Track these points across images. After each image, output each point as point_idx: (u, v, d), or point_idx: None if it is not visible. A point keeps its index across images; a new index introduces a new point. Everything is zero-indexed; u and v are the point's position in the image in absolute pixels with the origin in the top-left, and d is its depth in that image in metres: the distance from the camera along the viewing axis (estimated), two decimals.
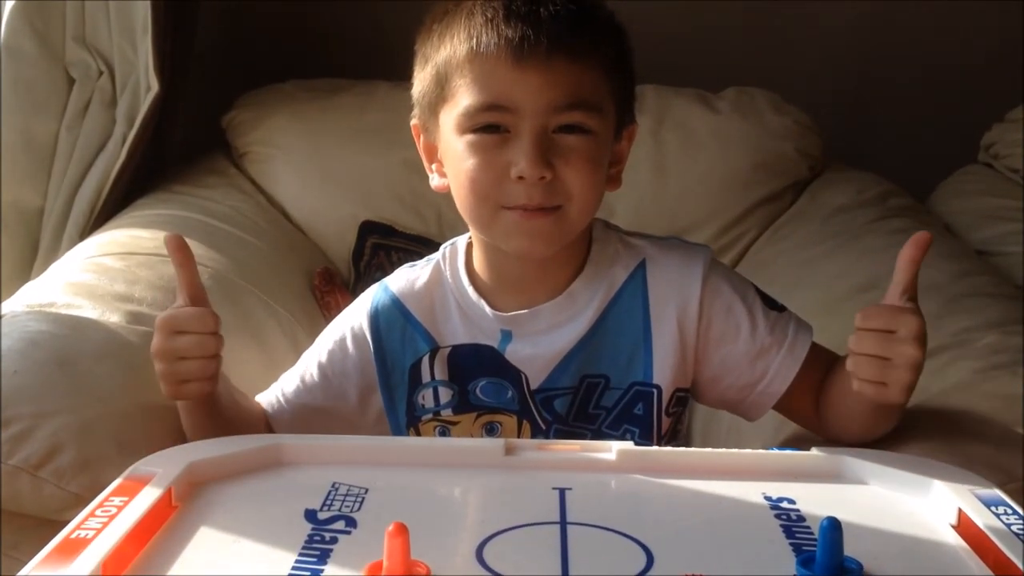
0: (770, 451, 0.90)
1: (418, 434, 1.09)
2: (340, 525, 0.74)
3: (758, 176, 1.93)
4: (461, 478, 0.85)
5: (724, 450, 0.88)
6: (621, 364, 1.06)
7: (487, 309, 1.07)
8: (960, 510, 0.76)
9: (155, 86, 1.72)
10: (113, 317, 1.23)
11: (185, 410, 1.05)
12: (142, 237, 1.53)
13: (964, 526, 0.76)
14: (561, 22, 0.97)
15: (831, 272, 1.60)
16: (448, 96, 1.00)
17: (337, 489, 0.80)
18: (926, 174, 2.09)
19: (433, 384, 1.09)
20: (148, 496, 0.75)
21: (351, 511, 0.77)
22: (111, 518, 0.71)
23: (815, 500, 0.80)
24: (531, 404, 1.07)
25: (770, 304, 1.07)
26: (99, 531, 0.69)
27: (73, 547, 0.67)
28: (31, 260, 1.78)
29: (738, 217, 1.93)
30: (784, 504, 0.79)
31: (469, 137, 0.98)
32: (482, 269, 1.08)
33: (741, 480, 0.84)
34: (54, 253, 1.70)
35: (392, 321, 1.10)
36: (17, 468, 1.02)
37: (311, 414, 1.11)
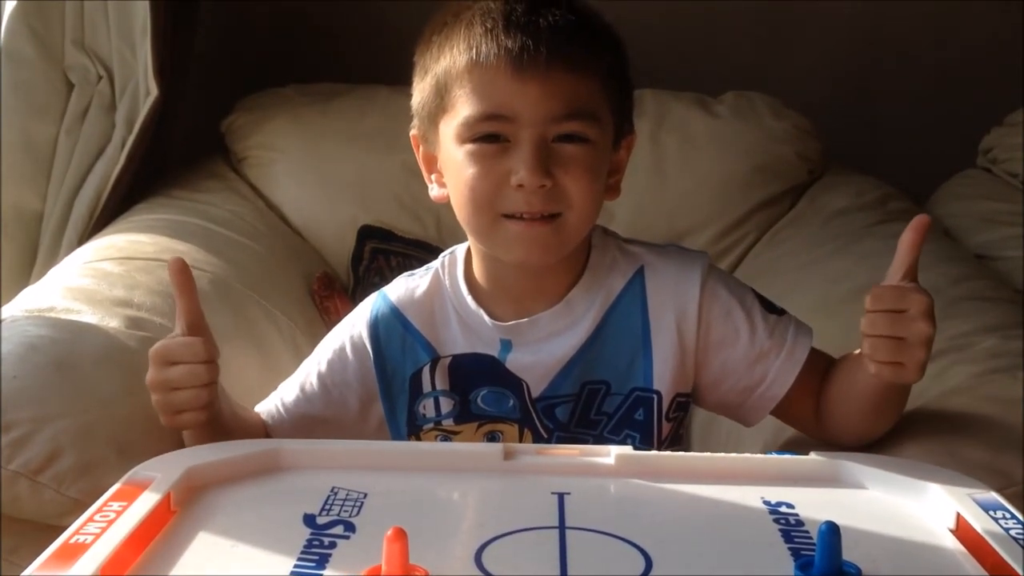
0: (769, 455, 0.90)
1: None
2: (339, 530, 0.74)
3: (757, 180, 1.93)
4: (460, 483, 0.85)
5: (722, 454, 0.88)
6: (621, 370, 1.06)
7: (486, 319, 1.07)
8: (959, 514, 0.76)
9: (154, 90, 1.72)
10: (112, 322, 1.23)
11: (187, 434, 1.05)
12: (141, 242, 1.53)
13: (963, 530, 0.76)
14: (560, 32, 0.97)
15: (830, 275, 1.60)
16: (448, 106, 1.00)
17: (336, 494, 0.80)
18: (925, 178, 2.09)
19: (434, 394, 1.08)
20: (147, 501, 0.75)
21: (350, 516, 0.77)
22: (110, 523, 0.71)
23: (813, 504, 0.80)
24: (533, 413, 1.06)
25: (769, 308, 1.08)
26: (98, 536, 0.69)
27: (72, 552, 0.67)
28: (30, 264, 1.78)
29: (737, 221, 1.93)
30: (783, 508, 0.79)
31: (469, 147, 0.99)
32: (481, 278, 1.08)
33: (739, 484, 0.84)
34: (53, 257, 1.70)
35: (392, 330, 1.09)
36: (17, 473, 1.02)
37: (312, 424, 1.11)
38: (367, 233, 1.90)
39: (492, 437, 1.07)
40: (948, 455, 0.99)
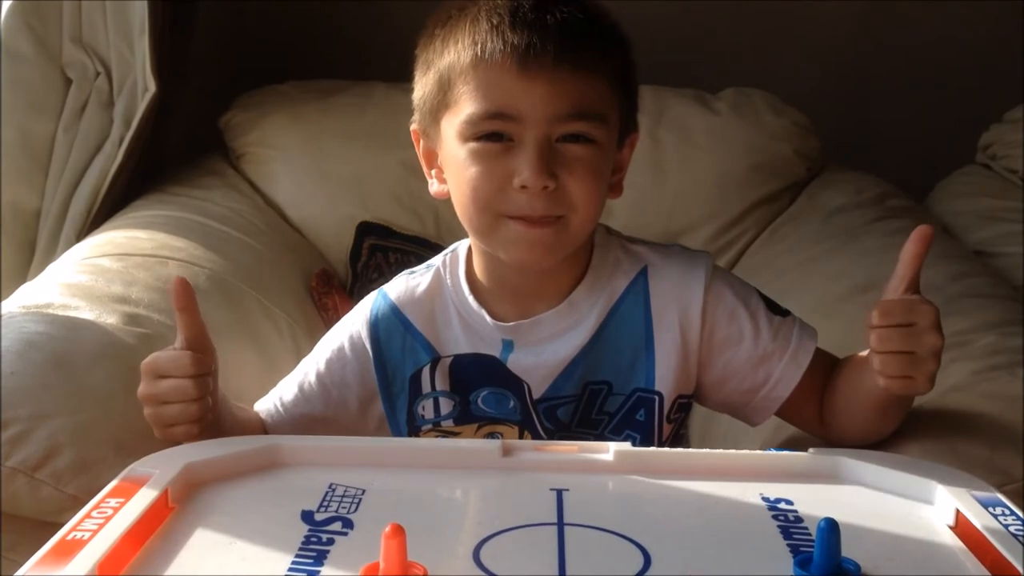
0: (768, 452, 0.90)
1: None
2: (337, 526, 0.74)
3: (756, 177, 1.93)
4: (458, 479, 0.85)
5: (722, 451, 0.88)
6: (623, 370, 1.05)
7: (488, 319, 1.06)
8: (958, 511, 0.76)
9: (152, 87, 1.72)
10: (110, 318, 1.23)
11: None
12: (139, 238, 1.53)
13: (962, 527, 0.76)
14: (568, 30, 0.96)
15: (829, 273, 1.60)
16: (451, 102, 0.99)
17: (334, 490, 0.80)
18: (924, 175, 2.10)
19: (434, 395, 1.08)
20: (145, 497, 0.75)
21: (348, 512, 0.77)
22: (107, 519, 0.71)
23: (813, 501, 0.80)
24: (533, 414, 1.06)
25: (774, 309, 1.06)
26: (95, 532, 0.69)
27: (69, 548, 0.67)
28: (28, 261, 1.77)
29: (736, 218, 1.93)
30: (782, 505, 0.79)
31: (471, 145, 0.97)
32: (483, 277, 1.07)
33: (739, 481, 0.84)
34: (51, 254, 1.70)
35: (392, 330, 1.09)
36: (15, 470, 1.02)
37: (311, 423, 1.10)
38: (365, 230, 1.90)
39: (492, 438, 1.06)
40: (948, 452, 0.99)
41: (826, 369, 1.05)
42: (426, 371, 1.07)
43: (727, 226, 1.93)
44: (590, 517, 0.76)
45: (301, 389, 1.11)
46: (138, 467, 0.81)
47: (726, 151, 1.94)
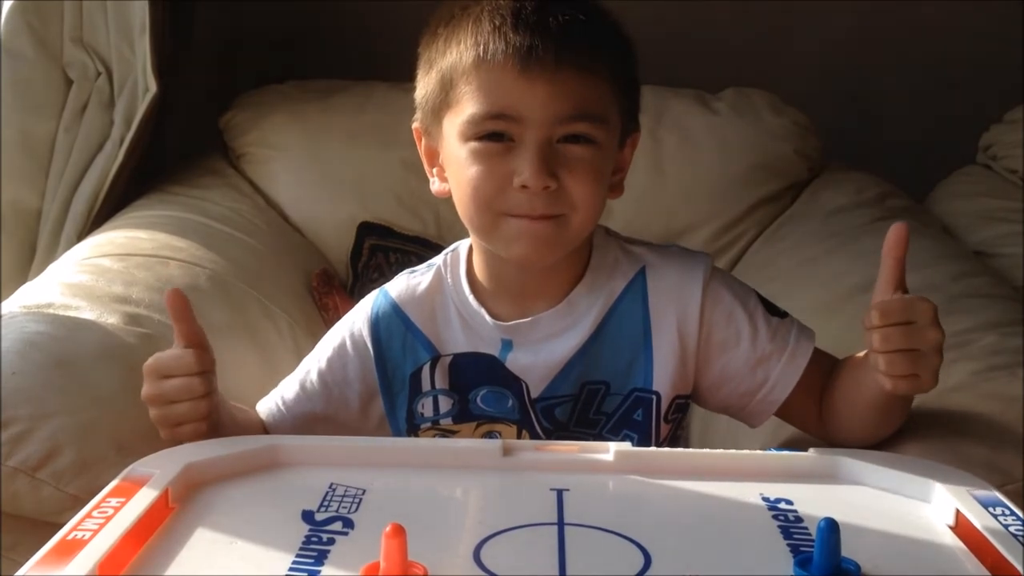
0: (768, 452, 0.90)
1: None
2: (337, 526, 0.75)
3: (756, 177, 1.93)
4: (459, 479, 0.85)
5: (722, 451, 0.88)
6: (621, 370, 1.05)
7: (487, 318, 1.06)
8: (958, 511, 0.76)
9: (153, 87, 1.72)
10: (111, 318, 1.23)
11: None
12: (140, 238, 1.53)
13: (962, 527, 0.76)
14: (570, 32, 0.96)
15: (830, 273, 1.60)
16: (452, 102, 0.99)
17: (334, 490, 0.80)
18: (925, 175, 2.10)
19: (433, 393, 1.08)
20: (145, 497, 0.75)
21: (348, 512, 0.77)
22: (108, 519, 0.71)
23: (813, 501, 0.80)
24: (531, 413, 1.06)
25: (772, 311, 1.07)
26: (96, 532, 0.69)
27: (70, 548, 0.67)
28: (29, 261, 1.77)
29: (736, 218, 1.93)
30: (782, 505, 0.79)
31: (473, 145, 0.98)
32: (483, 276, 1.07)
33: (739, 481, 0.84)
34: (52, 254, 1.70)
35: (393, 328, 1.09)
36: (16, 470, 1.02)
37: (312, 422, 1.10)
38: (366, 229, 1.90)
39: (490, 437, 1.07)
40: (948, 452, 0.99)
41: (825, 369, 1.05)
42: (426, 369, 1.08)
43: (727, 226, 1.92)
44: (590, 517, 0.76)
45: (303, 387, 1.11)
46: (138, 467, 0.81)
47: (726, 151, 1.94)
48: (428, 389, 1.08)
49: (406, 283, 1.11)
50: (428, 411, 1.08)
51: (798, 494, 0.81)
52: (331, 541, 0.72)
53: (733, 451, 0.88)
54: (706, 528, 0.77)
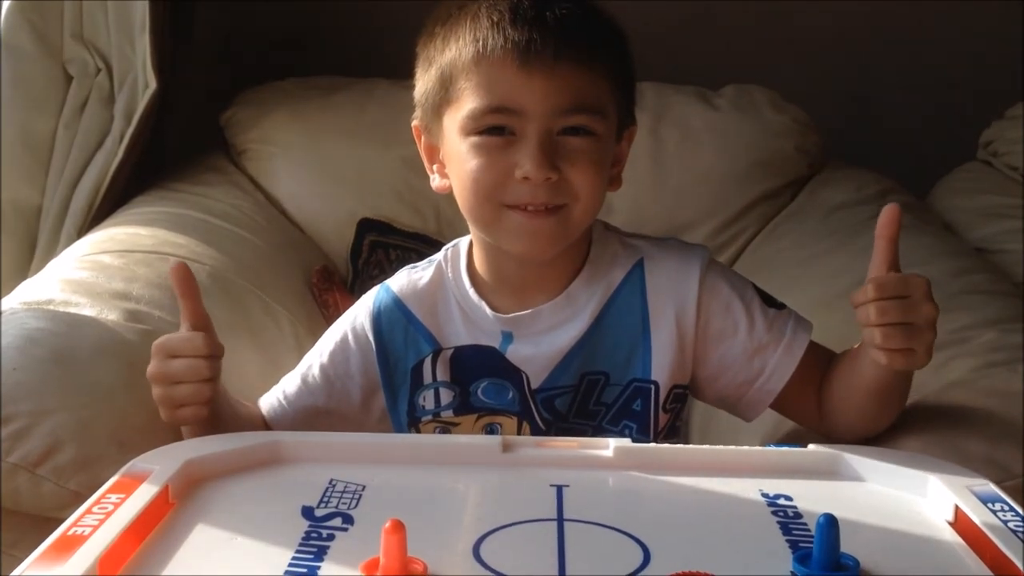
0: (767, 447, 0.90)
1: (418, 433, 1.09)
2: (337, 522, 0.75)
3: (757, 173, 1.93)
4: (458, 475, 0.85)
5: (721, 447, 0.88)
6: (620, 361, 1.06)
7: (488, 311, 1.07)
8: (957, 507, 0.76)
9: (153, 83, 1.72)
10: (111, 315, 1.23)
11: (185, 430, 1.04)
12: (140, 235, 1.53)
13: (961, 523, 0.76)
14: (568, 26, 0.97)
15: (830, 269, 1.60)
16: (452, 98, 1.00)
17: (334, 486, 0.80)
18: (925, 171, 2.09)
19: (435, 385, 1.09)
20: (145, 493, 0.75)
21: (348, 508, 0.77)
22: (108, 515, 0.71)
23: (812, 497, 0.80)
24: (532, 404, 1.07)
25: (769, 302, 1.08)
26: (96, 528, 0.69)
27: (69, 544, 0.67)
28: (29, 257, 1.78)
29: (737, 214, 1.93)
30: (781, 500, 0.79)
31: (474, 139, 0.99)
32: (483, 270, 1.08)
33: (738, 477, 0.84)
34: (52, 250, 1.70)
35: (394, 321, 1.10)
36: (16, 466, 1.02)
37: (314, 416, 1.11)
38: (366, 226, 1.90)
39: (491, 429, 1.07)
40: (947, 448, 0.99)
41: (823, 362, 1.06)
42: (427, 362, 1.08)
43: (728, 223, 1.92)
44: (590, 513, 0.76)
45: (304, 381, 1.12)
46: (138, 463, 0.81)
47: (727, 148, 1.94)
48: (429, 382, 1.09)
49: (407, 278, 1.12)
50: (429, 403, 1.09)
51: (797, 490, 0.81)
52: (331, 537, 0.72)
53: (732, 447, 0.88)
54: (705, 524, 0.78)
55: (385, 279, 1.14)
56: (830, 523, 0.67)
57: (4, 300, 1.27)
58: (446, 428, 1.09)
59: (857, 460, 0.86)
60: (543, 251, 1.02)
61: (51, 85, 1.77)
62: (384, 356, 1.10)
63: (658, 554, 0.70)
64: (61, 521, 0.71)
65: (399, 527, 0.65)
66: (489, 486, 0.85)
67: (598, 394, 1.06)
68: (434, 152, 1.07)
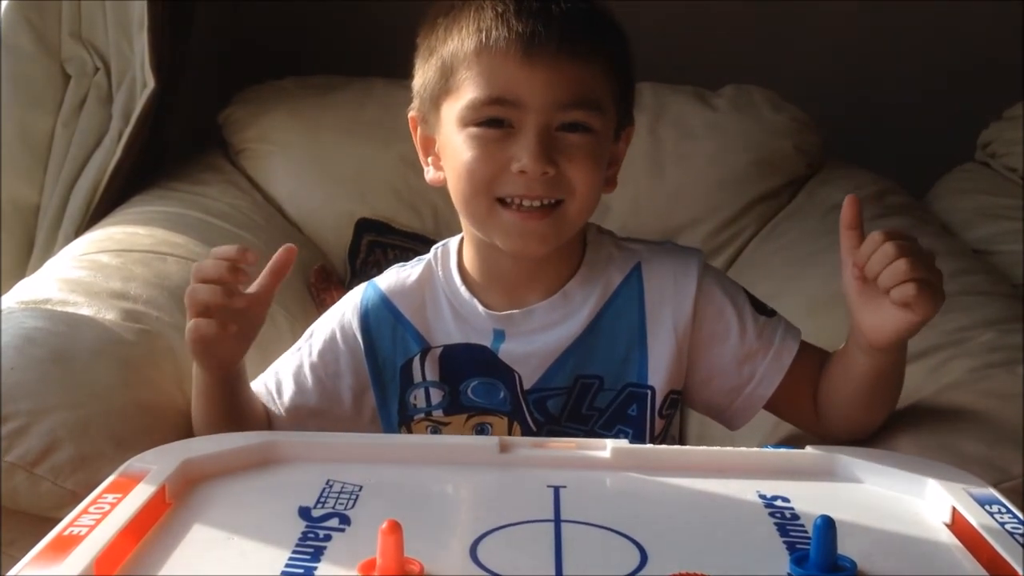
0: (764, 449, 0.90)
1: (410, 433, 1.09)
2: (334, 523, 0.74)
3: (755, 173, 1.93)
4: (455, 476, 0.85)
5: (718, 448, 0.88)
6: (616, 365, 1.06)
7: (479, 308, 1.07)
8: (954, 509, 0.76)
9: (151, 82, 1.71)
10: (109, 314, 1.23)
11: (204, 393, 1.04)
12: (138, 234, 1.53)
13: (958, 525, 0.76)
14: (571, 20, 0.98)
15: (828, 269, 1.58)
16: (452, 88, 1.00)
17: (331, 486, 0.80)
18: (924, 172, 2.09)
19: (425, 384, 1.08)
20: (142, 493, 0.75)
21: (345, 508, 0.77)
22: (104, 515, 0.71)
23: (809, 498, 0.80)
24: (523, 405, 1.06)
25: (760, 309, 1.08)
26: (92, 528, 0.69)
27: (66, 544, 0.67)
28: (27, 256, 1.77)
29: (735, 214, 1.92)
30: (778, 502, 0.79)
31: (471, 130, 0.99)
32: (474, 268, 1.08)
33: (735, 478, 0.84)
34: (50, 250, 1.70)
35: (382, 319, 1.09)
36: (14, 465, 1.02)
37: (306, 417, 1.10)
38: (364, 226, 1.90)
39: (481, 429, 1.07)
40: (945, 449, 0.99)
41: (815, 364, 1.07)
42: (416, 361, 1.08)
43: (726, 222, 1.92)
44: (587, 514, 0.76)
45: (296, 381, 1.11)
46: (135, 462, 0.81)
47: (725, 148, 1.94)
48: (419, 380, 1.08)
49: (396, 275, 1.12)
50: (421, 402, 1.09)
51: (795, 491, 0.81)
52: (328, 537, 0.72)
53: (730, 448, 0.88)
54: (703, 525, 0.77)
55: None
56: (827, 525, 0.67)
57: (2, 299, 1.27)
58: (436, 427, 1.09)
59: (854, 462, 0.86)
60: (536, 249, 1.02)
61: (49, 84, 1.77)
62: (373, 354, 1.10)
63: (655, 555, 0.70)
64: (59, 520, 0.71)
65: (396, 528, 0.65)
66: (486, 487, 0.85)
67: (591, 398, 1.06)
68: (430, 144, 1.07)
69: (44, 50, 1.76)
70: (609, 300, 1.06)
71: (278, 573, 0.67)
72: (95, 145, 1.77)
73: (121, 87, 1.77)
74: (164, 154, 1.92)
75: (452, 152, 1.01)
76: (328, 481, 0.81)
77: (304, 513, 0.76)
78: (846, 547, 0.69)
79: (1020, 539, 0.71)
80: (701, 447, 0.88)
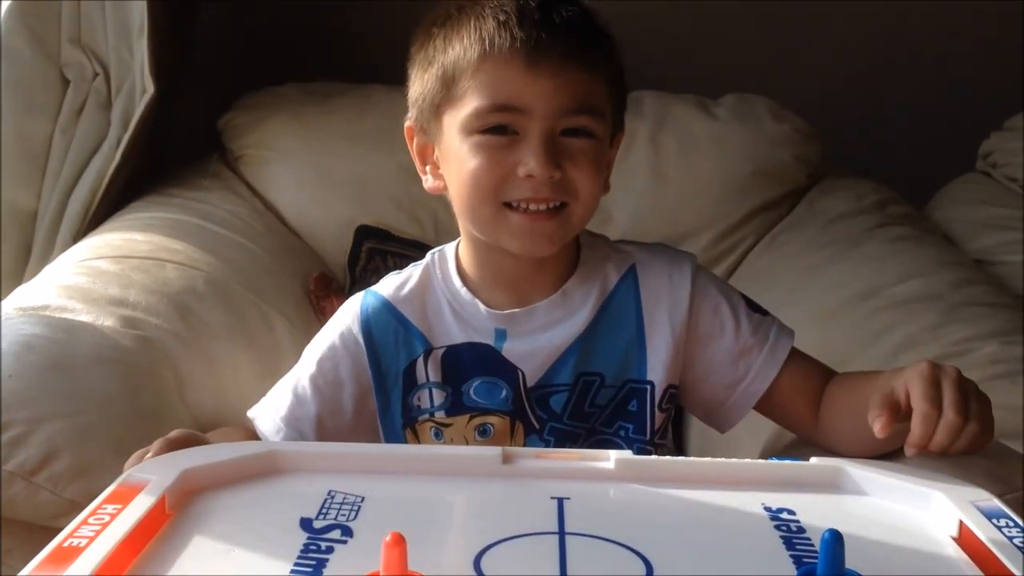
0: (769, 461, 0.90)
1: (415, 435, 1.09)
2: (336, 534, 0.74)
3: (756, 183, 1.93)
4: (458, 487, 0.84)
5: (723, 459, 0.87)
6: (616, 362, 1.07)
7: (481, 307, 1.07)
8: (961, 522, 0.76)
9: (151, 88, 1.71)
10: (107, 321, 1.23)
11: None
12: (137, 240, 1.52)
13: (965, 538, 0.75)
14: (573, 28, 0.99)
15: (829, 280, 1.60)
16: (454, 98, 1.00)
17: (333, 497, 0.79)
18: (925, 182, 2.10)
19: (428, 385, 1.08)
20: (141, 504, 0.74)
21: (347, 520, 0.76)
22: (104, 526, 0.70)
23: (815, 511, 0.80)
24: (526, 403, 1.07)
25: (753, 308, 1.10)
26: (92, 539, 0.68)
27: (65, 555, 0.66)
28: (24, 263, 1.77)
29: (736, 224, 1.92)
30: (784, 515, 0.79)
31: (476, 138, 0.99)
32: (474, 269, 1.08)
33: (740, 490, 0.83)
34: (48, 255, 1.69)
35: (384, 324, 1.09)
36: (12, 474, 1.02)
37: (307, 429, 1.09)
38: (364, 233, 1.90)
39: (483, 429, 1.07)
40: (949, 461, 0.98)
41: (813, 374, 1.07)
42: (420, 362, 1.08)
43: (727, 232, 1.92)
44: (591, 526, 0.76)
45: (295, 394, 1.10)
46: (135, 472, 0.80)
47: (727, 157, 1.94)
48: (423, 382, 1.08)
49: (394, 281, 1.12)
50: (424, 404, 1.09)
51: (800, 504, 0.81)
52: (330, 549, 0.71)
53: (734, 460, 0.87)
54: (708, 538, 0.77)
55: None
56: (835, 539, 0.66)
57: (0, 306, 1.27)
58: (439, 429, 1.08)
59: (860, 474, 0.85)
60: (543, 249, 1.03)
61: (48, 89, 1.77)
62: (375, 358, 1.09)
63: (660, 568, 0.70)
64: (57, 530, 0.70)
65: (400, 540, 0.64)
66: (489, 498, 0.84)
67: (593, 396, 1.07)
68: (427, 153, 1.07)
69: (43, 55, 1.76)
70: (608, 298, 1.08)
71: None
72: (94, 151, 1.77)
73: (120, 93, 1.77)
74: (163, 160, 1.92)
75: (456, 160, 1.01)
76: (330, 492, 0.80)
77: (306, 524, 0.75)
78: (852, 561, 0.68)
79: None
80: (705, 458, 0.88)
